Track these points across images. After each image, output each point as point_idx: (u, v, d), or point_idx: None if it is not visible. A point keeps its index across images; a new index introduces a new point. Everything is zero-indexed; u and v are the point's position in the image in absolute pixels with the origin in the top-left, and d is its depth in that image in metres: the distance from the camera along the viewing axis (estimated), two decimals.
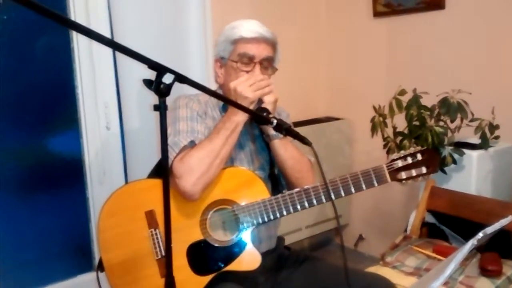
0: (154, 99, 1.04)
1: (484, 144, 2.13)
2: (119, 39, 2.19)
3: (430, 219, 2.22)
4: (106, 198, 1.51)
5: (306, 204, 1.48)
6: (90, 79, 2.30)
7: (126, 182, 2.42)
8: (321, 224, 3.11)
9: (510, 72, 2.40)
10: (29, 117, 2.24)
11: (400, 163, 1.50)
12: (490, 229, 1.17)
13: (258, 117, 1.44)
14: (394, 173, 1.49)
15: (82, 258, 2.46)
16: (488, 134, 2.12)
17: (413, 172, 1.51)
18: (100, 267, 1.52)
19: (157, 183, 1.50)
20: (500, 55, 2.43)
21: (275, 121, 1.36)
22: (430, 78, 2.65)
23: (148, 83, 1.02)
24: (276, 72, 1.63)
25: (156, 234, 1.48)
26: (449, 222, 2.20)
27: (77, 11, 2.23)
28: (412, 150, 1.52)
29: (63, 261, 2.42)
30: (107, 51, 2.28)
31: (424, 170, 1.51)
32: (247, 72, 1.56)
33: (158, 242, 1.48)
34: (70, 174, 2.40)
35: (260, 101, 1.50)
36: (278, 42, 1.62)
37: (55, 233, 2.38)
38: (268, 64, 1.59)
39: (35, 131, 2.28)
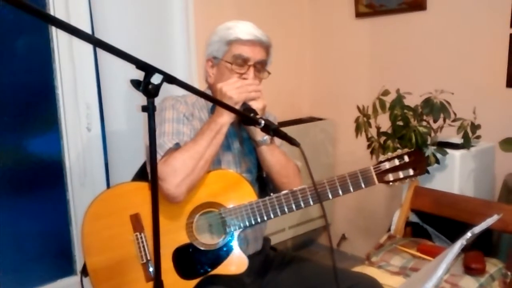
0: (136, 99, 1.02)
1: (466, 144, 2.16)
2: (100, 37, 2.15)
3: (413, 218, 2.24)
4: (90, 202, 1.48)
5: (294, 207, 1.47)
6: (70, 80, 2.25)
7: (108, 184, 2.38)
8: (305, 225, 3.11)
9: (490, 73, 2.44)
10: (8, 118, 2.19)
11: (387, 165, 1.50)
12: (477, 229, 1.18)
13: (246, 117, 1.43)
14: (381, 175, 1.50)
15: (63, 262, 2.42)
16: (470, 134, 2.15)
17: (400, 174, 1.51)
18: (84, 272, 1.48)
19: (142, 185, 1.48)
20: (481, 56, 2.46)
21: (262, 122, 1.35)
22: (412, 78, 2.68)
23: (136, 83, 0.99)
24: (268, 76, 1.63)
25: (141, 238, 1.45)
26: (432, 222, 2.22)
27: (56, 8, 2.18)
28: (399, 152, 1.53)
29: (43, 265, 2.38)
30: (88, 50, 2.25)
31: (411, 172, 1.52)
32: (241, 74, 1.55)
33: (143, 246, 1.45)
34: (50, 176, 2.35)
35: (247, 105, 1.48)
36: (272, 46, 1.62)
37: (35, 236, 2.33)
38: (261, 67, 1.58)
39: (15, 133, 2.23)
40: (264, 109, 1.52)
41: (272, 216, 1.47)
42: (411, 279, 1.60)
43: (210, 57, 1.63)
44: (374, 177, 1.48)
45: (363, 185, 1.48)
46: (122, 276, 1.45)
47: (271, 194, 1.48)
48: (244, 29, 1.55)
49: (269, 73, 1.62)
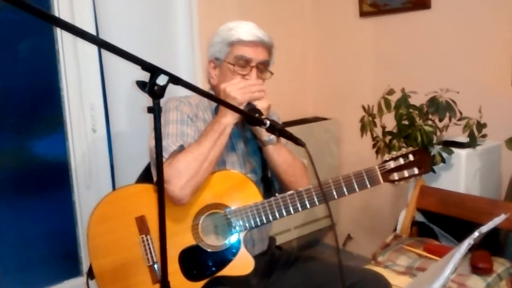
0: (142, 100, 1.02)
1: (472, 143, 2.15)
2: (104, 39, 2.15)
3: (419, 218, 2.23)
4: (95, 204, 1.48)
5: (299, 207, 1.46)
6: (75, 81, 2.26)
7: (113, 185, 2.39)
8: (310, 224, 3.10)
9: (496, 71, 2.42)
10: (13, 120, 2.19)
11: (392, 164, 1.50)
12: (485, 228, 1.18)
13: (251, 118, 1.42)
14: (387, 174, 1.50)
15: (69, 263, 2.43)
16: (476, 133, 2.14)
17: (405, 173, 1.51)
18: (90, 275, 1.48)
19: (147, 188, 1.48)
20: (486, 54, 2.45)
21: (268, 122, 1.35)
22: (417, 77, 2.67)
23: (141, 85, 0.99)
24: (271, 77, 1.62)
25: (147, 240, 1.45)
26: (438, 221, 2.21)
27: (61, 10, 2.19)
28: (403, 151, 1.53)
29: (49, 266, 2.38)
30: (93, 52, 2.25)
31: (416, 171, 1.52)
32: (244, 75, 1.54)
33: (149, 248, 1.45)
34: (56, 177, 2.36)
35: (252, 105, 1.48)
36: (274, 46, 1.61)
37: (41, 237, 2.33)
38: (264, 68, 1.58)
39: (20, 134, 2.23)
40: (269, 108, 1.51)
41: (277, 216, 1.47)
42: (418, 279, 1.60)
43: (212, 58, 1.63)
44: (379, 176, 1.48)
45: (368, 185, 1.48)
46: (129, 278, 1.45)
47: (276, 194, 1.48)
48: (246, 30, 1.55)
49: (271, 73, 1.62)
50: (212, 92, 1.65)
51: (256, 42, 1.54)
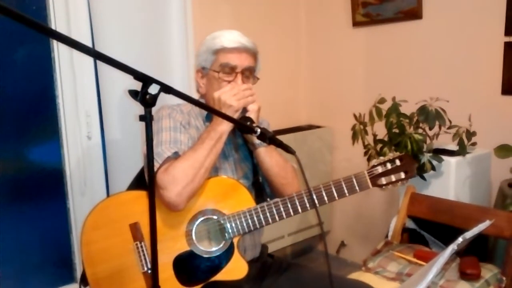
0: (136, 108, 1.04)
1: (462, 151, 2.18)
2: (100, 48, 2.18)
3: (410, 224, 2.26)
4: (89, 211, 1.49)
5: (291, 212, 1.49)
6: (71, 89, 2.28)
7: (108, 192, 2.40)
8: (304, 232, 3.12)
9: (485, 80, 2.46)
10: (9, 127, 2.21)
11: (380, 169, 1.54)
12: (469, 234, 1.21)
13: (242, 126, 1.45)
14: (375, 179, 1.53)
15: (63, 270, 2.44)
16: (466, 141, 2.17)
17: (393, 178, 1.55)
18: (84, 282, 1.50)
19: (141, 194, 1.49)
20: (476, 64, 2.49)
21: (259, 130, 1.38)
22: (408, 86, 2.70)
23: (133, 93, 1.02)
24: (257, 81, 1.65)
25: (141, 246, 1.47)
26: (429, 228, 2.23)
27: (57, 19, 2.22)
28: (391, 156, 1.57)
29: (43, 273, 2.39)
30: (88, 60, 2.27)
31: (402, 175, 1.56)
32: (229, 82, 1.57)
33: (143, 255, 1.47)
34: (51, 184, 2.37)
35: (244, 110, 1.51)
36: (259, 52, 1.64)
37: (35, 244, 2.34)
38: (249, 74, 1.61)
39: (15, 141, 2.25)
40: (259, 111, 1.54)
41: (270, 221, 1.49)
42: (404, 284, 1.62)
43: (199, 68, 1.66)
44: (368, 181, 1.52)
45: (357, 189, 1.51)
46: (124, 285, 1.47)
47: (268, 199, 1.51)
48: (230, 37, 1.58)
49: (257, 78, 1.65)
50: (202, 101, 1.68)
51: (240, 48, 1.57)
